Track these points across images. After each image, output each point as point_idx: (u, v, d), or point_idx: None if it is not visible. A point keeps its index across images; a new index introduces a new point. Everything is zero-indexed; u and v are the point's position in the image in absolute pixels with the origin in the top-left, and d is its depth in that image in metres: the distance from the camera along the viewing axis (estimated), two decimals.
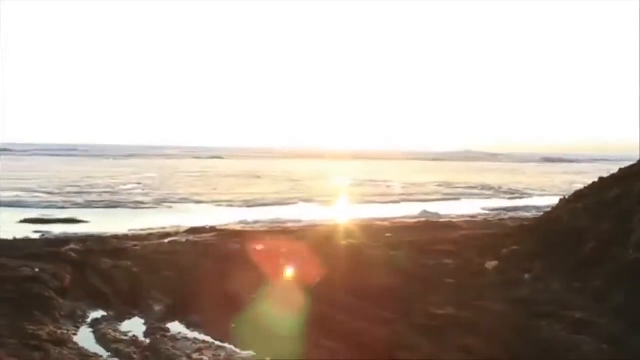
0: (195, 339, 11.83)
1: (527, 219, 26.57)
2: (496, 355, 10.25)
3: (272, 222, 30.21)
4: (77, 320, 12.95)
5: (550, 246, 16.69)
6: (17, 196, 42.04)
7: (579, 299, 13.18)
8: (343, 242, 20.22)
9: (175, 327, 12.52)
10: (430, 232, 24.14)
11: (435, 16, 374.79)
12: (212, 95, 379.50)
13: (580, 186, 22.92)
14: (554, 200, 24.73)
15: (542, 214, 23.08)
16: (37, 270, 16.10)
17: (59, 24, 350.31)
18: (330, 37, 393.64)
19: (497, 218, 32.07)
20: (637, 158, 20.00)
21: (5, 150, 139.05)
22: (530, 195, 51.67)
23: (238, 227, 27.51)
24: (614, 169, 20.57)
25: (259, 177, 70.40)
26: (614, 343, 10.50)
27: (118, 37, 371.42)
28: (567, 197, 21.16)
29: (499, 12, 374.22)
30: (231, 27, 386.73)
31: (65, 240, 22.16)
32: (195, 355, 10.88)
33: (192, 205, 39.71)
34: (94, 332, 12.30)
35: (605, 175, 20.39)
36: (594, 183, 20.28)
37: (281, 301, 13.56)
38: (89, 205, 37.57)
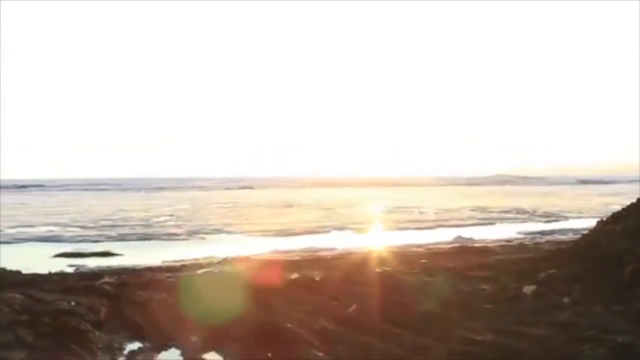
0: None
1: (563, 242, 26.25)
2: None
3: (305, 250, 30.13)
4: (114, 353, 12.94)
5: (589, 269, 16.44)
6: (51, 231, 42.44)
7: (620, 322, 12.92)
8: (377, 270, 20.06)
9: (212, 358, 12.45)
10: (465, 257, 23.95)
11: (459, 42, 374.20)
12: (239, 126, 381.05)
13: (617, 207, 22.59)
14: (591, 223, 24.40)
15: (579, 236, 22.76)
16: (73, 303, 16.17)
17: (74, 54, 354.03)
18: (352, 63, 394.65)
19: (533, 242, 31.72)
20: None
21: (39, 185, 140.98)
22: (566, 218, 51.07)
23: (271, 257, 27.47)
24: None
25: (290, 206, 70.44)
26: None
27: (138, 68, 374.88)
28: (604, 218, 20.86)
29: (526, 34, 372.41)
30: (253, 55, 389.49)
31: (99, 273, 22.30)
32: None
33: (224, 236, 39.75)
34: None
35: None
36: (631, 204, 20.01)
37: (317, 331, 13.45)
38: (122, 238, 37.77)
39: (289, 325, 13.74)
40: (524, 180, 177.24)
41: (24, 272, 21.77)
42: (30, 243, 35.71)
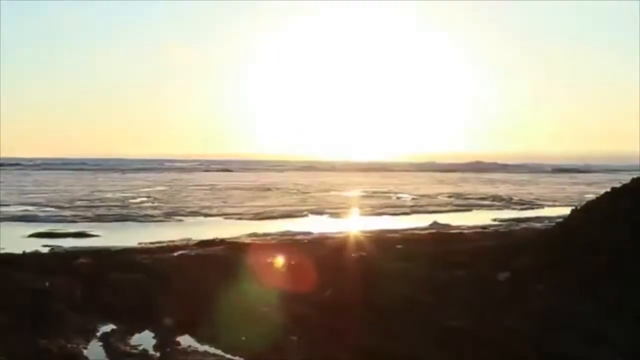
0: (205, 352, 11.76)
1: (539, 230, 26.41)
2: None
3: (282, 234, 30.14)
4: (88, 334, 12.90)
5: (563, 257, 16.55)
6: (27, 210, 42.21)
7: (593, 310, 13.04)
8: (353, 255, 20.11)
9: (186, 341, 12.46)
10: (441, 243, 24.00)
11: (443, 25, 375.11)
12: (214, 104, 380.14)
13: (592, 196, 22.75)
14: (566, 211, 24.56)
15: (553, 224, 22.91)
16: (47, 284, 16.10)
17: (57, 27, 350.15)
18: (335, 47, 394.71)
19: (508, 229, 31.89)
20: None
21: (15, 164, 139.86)
22: (541, 206, 51.39)
23: (248, 240, 27.46)
24: (626, 179, 20.42)
25: (268, 189, 70.37)
26: (629, 355, 10.37)
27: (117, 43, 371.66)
28: (578, 207, 21.00)
29: (507, 15, 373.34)
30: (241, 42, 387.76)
31: (75, 254, 22.20)
32: None
33: (201, 219, 39.70)
34: (104, 345, 12.26)
35: (617, 185, 20.25)
36: (606, 193, 20.13)
37: (292, 315, 13.48)
38: (98, 219, 37.58)
39: (265, 309, 13.77)
40: (503, 168, 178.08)
41: None
42: (5, 222, 35.44)
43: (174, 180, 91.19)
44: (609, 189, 20.28)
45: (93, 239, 28.94)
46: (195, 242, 25.75)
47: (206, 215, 41.68)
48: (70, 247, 25.05)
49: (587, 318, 12.30)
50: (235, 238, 27.73)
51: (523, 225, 34.85)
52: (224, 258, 20.49)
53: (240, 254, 21.41)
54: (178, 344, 12.21)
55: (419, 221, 36.86)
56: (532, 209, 49.34)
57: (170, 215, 40.61)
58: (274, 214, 41.85)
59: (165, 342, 12.22)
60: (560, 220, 22.55)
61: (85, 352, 11.84)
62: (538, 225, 33.50)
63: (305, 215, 42.29)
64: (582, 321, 12.06)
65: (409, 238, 27.09)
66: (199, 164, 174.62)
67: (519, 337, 11.30)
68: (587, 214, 19.05)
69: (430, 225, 34.36)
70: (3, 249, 22.43)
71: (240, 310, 13.61)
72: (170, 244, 25.88)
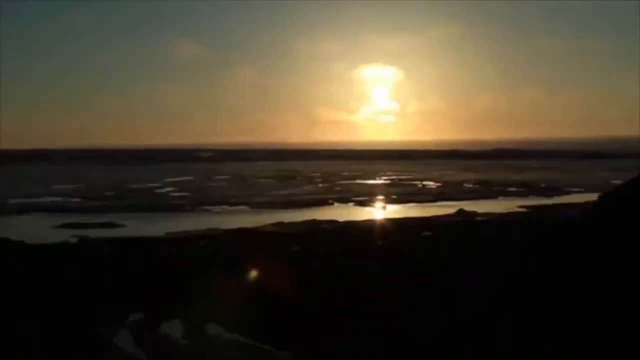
0: (233, 340, 11.85)
1: (566, 217, 26.22)
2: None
3: (308, 222, 30.12)
4: (117, 323, 13.05)
5: (592, 243, 16.44)
6: (55, 201, 42.62)
7: (624, 296, 12.94)
8: (380, 242, 20.15)
9: (214, 329, 12.56)
10: (468, 230, 23.97)
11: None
12: (244, 95, 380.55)
13: (619, 182, 22.56)
14: (593, 197, 24.38)
15: (581, 211, 22.75)
16: (76, 274, 16.29)
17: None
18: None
19: (535, 216, 31.68)
20: None
21: (44, 156, 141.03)
22: (568, 193, 50.85)
23: (274, 229, 27.52)
24: None
25: (294, 177, 70.31)
26: None
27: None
28: (606, 193, 20.82)
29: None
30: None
31: (103, 243, 22.41)
32: (233, 356, 10.90)
33: (228, 208, 39.82)
34: (133, 334, 12.39)
35: None
36: (633, 179, 19.95)
37: (320, 301, 13.54)
38: (126, 209, 37.82)
39: (291, 295, 13.84)
40: (528, 154, 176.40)
41: (27, 242, 21.93)
42: (34, 213, 35.86)
43: (202, 169, 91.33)
44: (636, 175, 20.10)
45: (121, 229, 29.20)
46: (222, 230, 25.90)
47: (233, 204, 41.74)
48: (99, 237, 25.28)
49: (618, 304, 12.23)
50: (262, 227, 27.85)
51: (550, 211, 34.52)
52: (249, 247, 20.59)
53: (266, 243, 21.53)
54: (206, 331, 12.32)
55: (445, 209, 36.69)
56: (559, 195, 48.84)
57: (198, 204, 40.75)
58: (300, 203, 41.82)
59: (193, 331, 12.34)
60: (587, 206, 22.38)
61: (114, 340, 11.99)
62: (565, 211, 33.17)
63: (331, 204, 42.22)
64: (614, 307, 11.99)
65: (435, 225, 27.03)
66: (227, 153, 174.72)
67: (551, 322, 11.28)
68: (615, 200, 18.89)
69: (457, 212, 34.22)
70: (33, 239, 22.68)
71: (268, 298, 13.69)
72: (198, 232, 26.04)
